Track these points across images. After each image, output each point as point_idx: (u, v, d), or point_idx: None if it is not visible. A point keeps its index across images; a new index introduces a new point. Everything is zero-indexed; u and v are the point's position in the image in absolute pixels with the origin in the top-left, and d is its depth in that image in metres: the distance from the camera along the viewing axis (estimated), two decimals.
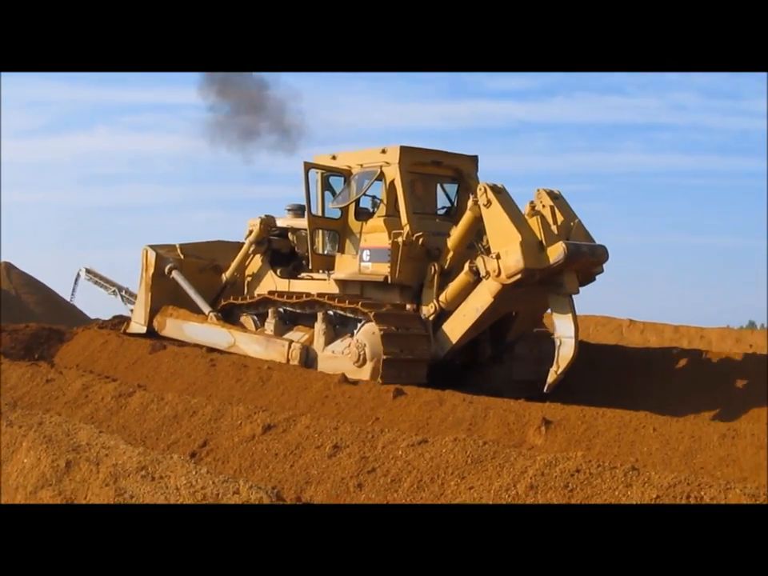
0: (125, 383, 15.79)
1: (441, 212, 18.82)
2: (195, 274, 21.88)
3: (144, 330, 21.78)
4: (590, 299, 33.39)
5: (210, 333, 20.24)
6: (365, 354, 16.44)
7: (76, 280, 29.59)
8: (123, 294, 27.43)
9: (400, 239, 16.95)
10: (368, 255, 17.80)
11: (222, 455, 11.43)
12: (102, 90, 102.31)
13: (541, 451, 10.09)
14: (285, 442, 11.02)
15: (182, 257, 22.29)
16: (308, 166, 18.86)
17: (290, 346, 17.98)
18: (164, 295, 21.73)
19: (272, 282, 20.49)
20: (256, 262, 21.30)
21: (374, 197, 18.42)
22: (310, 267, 19.27)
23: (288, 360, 17.76)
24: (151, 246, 22.21)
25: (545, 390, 14.85)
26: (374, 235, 17.82)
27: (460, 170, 18.62)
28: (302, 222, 19.97)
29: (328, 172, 19.04)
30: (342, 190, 18.74)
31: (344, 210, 18.77)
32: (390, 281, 17.18)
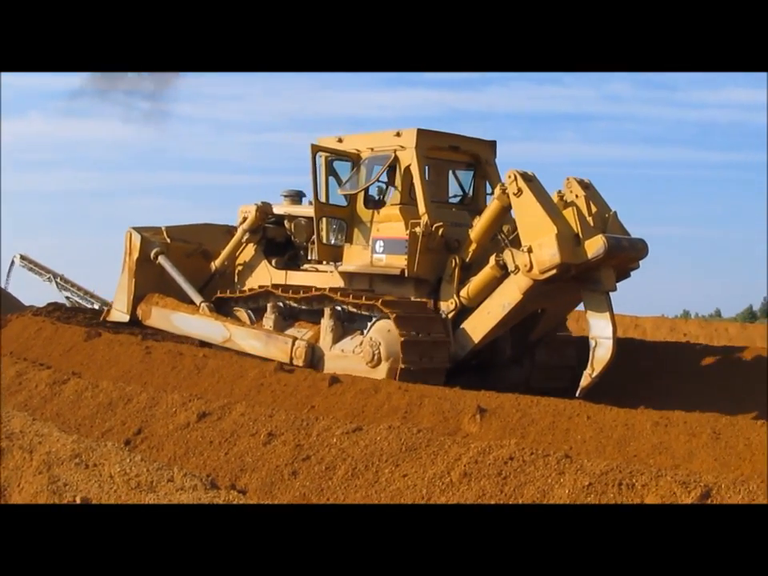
0: (59, 370, 15.66)
1: (452, 200, 17.66)
2: (182, 260, 20.55)
3: (126, 318, 20.63)
4: None
5: (201, 325, 18.91)
6: (379, 353, 15.26)
7: (10, 266, 29.40)
8: (58, 281, 27.29)
9: (418, 229, 15.65)
10: (381, 246, 16.52)
11: (157, 443, 11.40)
12: (34, 74, 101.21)
13: (475, 439, 10.15)
14: (219, 429, 11.03)
15: (168, 240, 20.90)
16: (315, 149, 17.38)
17: (293, 344, 16.63)
18: (149, 282, 20.42)
19: (266, 273, 19.08)
20: (248, 251, 19.85)
21: (385, 183, 17.12)
22: (317, 258, 17.78)
23: (291, 359, 16.45)
24: (136, 229, 20.75)
25: (577, 395, 13.67)
26: (389, 225, 16.54)
27: (477, 156, 17.44)
28: (300, 210, 19.15)
29: (333, 156, 17.56)
30: (350, 176, 17.34)
31: (351, 198, 17.40)
32: (406, 274, 15.91)
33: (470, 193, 17.66)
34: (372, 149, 17.11)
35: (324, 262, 17.64)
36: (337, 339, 16.30)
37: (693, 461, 10.19)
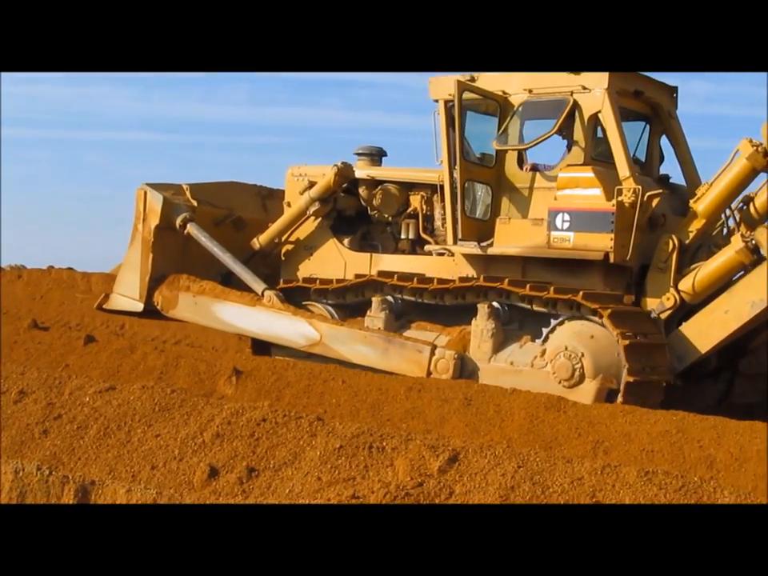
0: None
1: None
2: (210, 229, 15.07)
3: (140, 307, 15.03)
4: None
5: (269, 322, 13.93)
6: (582, 368, 11.38)
7: None
8: None
9: (625, 198, 11.75)
10: (567, 221, 12.15)
11: None
12: None
13: (230, 401, 10.25)
14: None
15: (194, 203, 15.33)
16: (462, 87, 12.88)
17: (432, 353, 12.41)
18: (170, 258, 15.03)
19: (337, 257, 14.49)
20: (307, 226, 14.86)
21: (562, 135, 13.12)
22: (461, 236, 13.02)
23: (429, 372, 12.32)
24: (152, 186, 15.09)
25: None
26: (576, 192, 12.22)
27: (658, 106, 13.50)
28: (387, 173, 14.62)
29: (463, 102, 13.00)
30: (504, 127, 13.07)
31: (499, 157, 13.26)
32: (612, 259, 11.84)
33: (642, 153, 13.77)
34: (530, 90, 13.00)
35: (457, 242, 13.19)
36: (498, 347, 12.26)
37: (444, 426, 10.45)
